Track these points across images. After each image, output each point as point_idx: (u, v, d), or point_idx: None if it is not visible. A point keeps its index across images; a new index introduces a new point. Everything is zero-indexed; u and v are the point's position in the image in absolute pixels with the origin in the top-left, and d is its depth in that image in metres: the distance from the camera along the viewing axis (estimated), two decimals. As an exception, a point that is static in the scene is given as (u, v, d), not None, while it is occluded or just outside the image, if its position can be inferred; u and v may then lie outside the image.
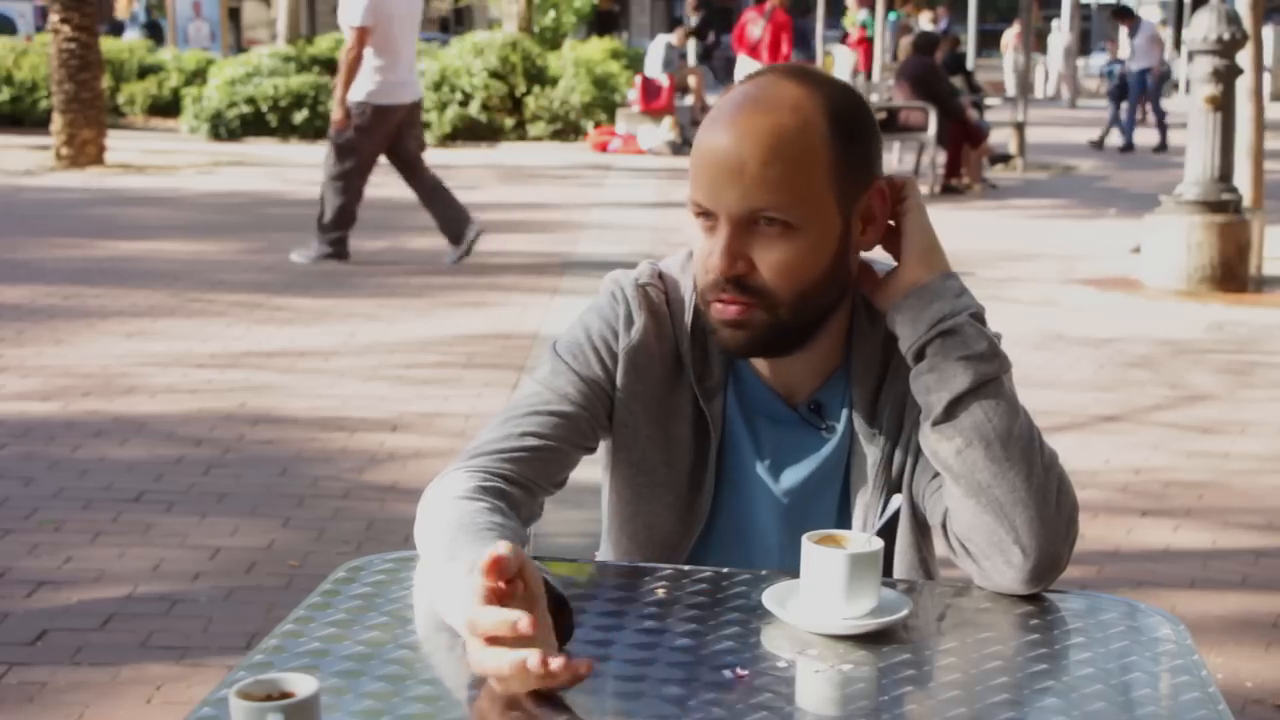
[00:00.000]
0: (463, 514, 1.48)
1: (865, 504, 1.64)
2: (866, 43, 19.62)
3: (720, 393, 1.66)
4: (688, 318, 1.66)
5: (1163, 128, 17.79)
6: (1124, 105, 18.25)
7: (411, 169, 8.48)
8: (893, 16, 22.69)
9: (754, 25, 15.59)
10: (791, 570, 1.49)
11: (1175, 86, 25.15)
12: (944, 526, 1.57)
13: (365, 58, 8.14)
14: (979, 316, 1.56)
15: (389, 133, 8.26)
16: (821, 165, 1.52)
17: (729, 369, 1.67)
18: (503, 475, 1.57)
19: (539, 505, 1.63)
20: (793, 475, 1.67)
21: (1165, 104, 18.59)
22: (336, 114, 8.25)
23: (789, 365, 1.64)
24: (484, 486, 1.54)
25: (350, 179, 8.30)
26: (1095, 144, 17.83)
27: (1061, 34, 28.68)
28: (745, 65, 15.83)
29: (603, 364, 1.65)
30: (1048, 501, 1.49)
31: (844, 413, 1.66)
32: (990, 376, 1.52)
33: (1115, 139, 17.97)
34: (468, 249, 8.51)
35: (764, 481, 1.67)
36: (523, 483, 1.58)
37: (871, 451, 1.64)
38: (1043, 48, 30.26)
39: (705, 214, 1.55)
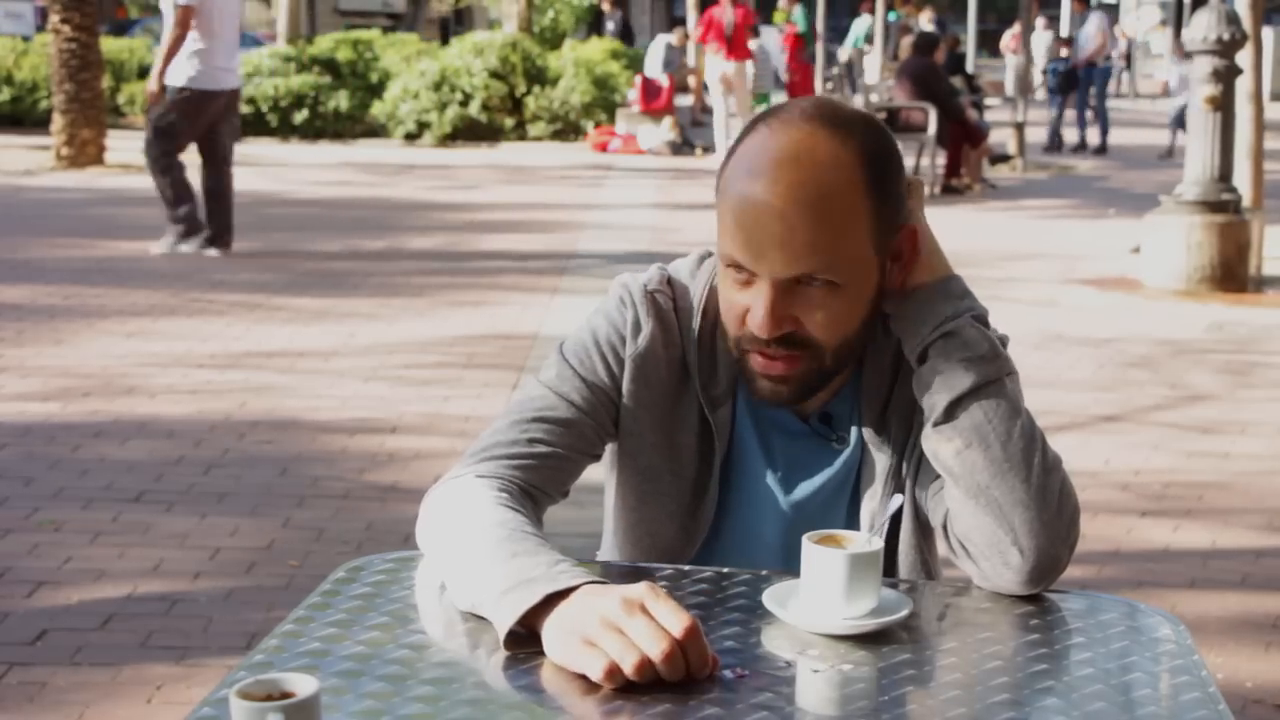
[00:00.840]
0: (512, 519, 1.47)
1: (873, 513, 1.64)
2: (797, 38, 19.76)
3: (727, 401, 1.65)
4: (695, 325, 1.65)
5: (1082, 124, 17.43)
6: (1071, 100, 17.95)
7: (216, 161, 8.69)
8: (893, 16, 22.71)
9: (726, 11, 15.36)
10: (792, 570, 1.49)
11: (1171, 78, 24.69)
12: (945, 528, 1.57)
13: (187, 42, 8.35)
14: (982, 318, 1.56)
15: (209, 119, 8.53)
16: (864, 222, 1.51)
17: (737, 379, 1.65)
18: (517, 483, 1.57)
19: (544, 510, 1.62)
20: (804, 487, 1.66)
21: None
22: (152, 86, 8.54)
23: None
24: (512, 494, 1.54)
25: (171, 159, 8.53)
26: (1077, 148, 17.56)
27: (1044, 33, 28.26)
28: (715, 64, 15.53)
29: (609, 370, 1.64)
30: (1047, 503, 1.49)
31: (854, 423, 1.66)
32: (991, 378, 1.52)
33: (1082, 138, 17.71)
34: (176, 241, 8.76)
35: (772, 493, 1.67)
36: (533, 492, 1.58)
37: (881, 460, 1.64)
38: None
39: (739, 267, 1.53)
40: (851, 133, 1.52)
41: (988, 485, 1.49)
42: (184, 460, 4.74)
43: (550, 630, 1.32)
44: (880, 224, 1.53)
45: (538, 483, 1.58)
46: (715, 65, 15.48)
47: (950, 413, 1.51)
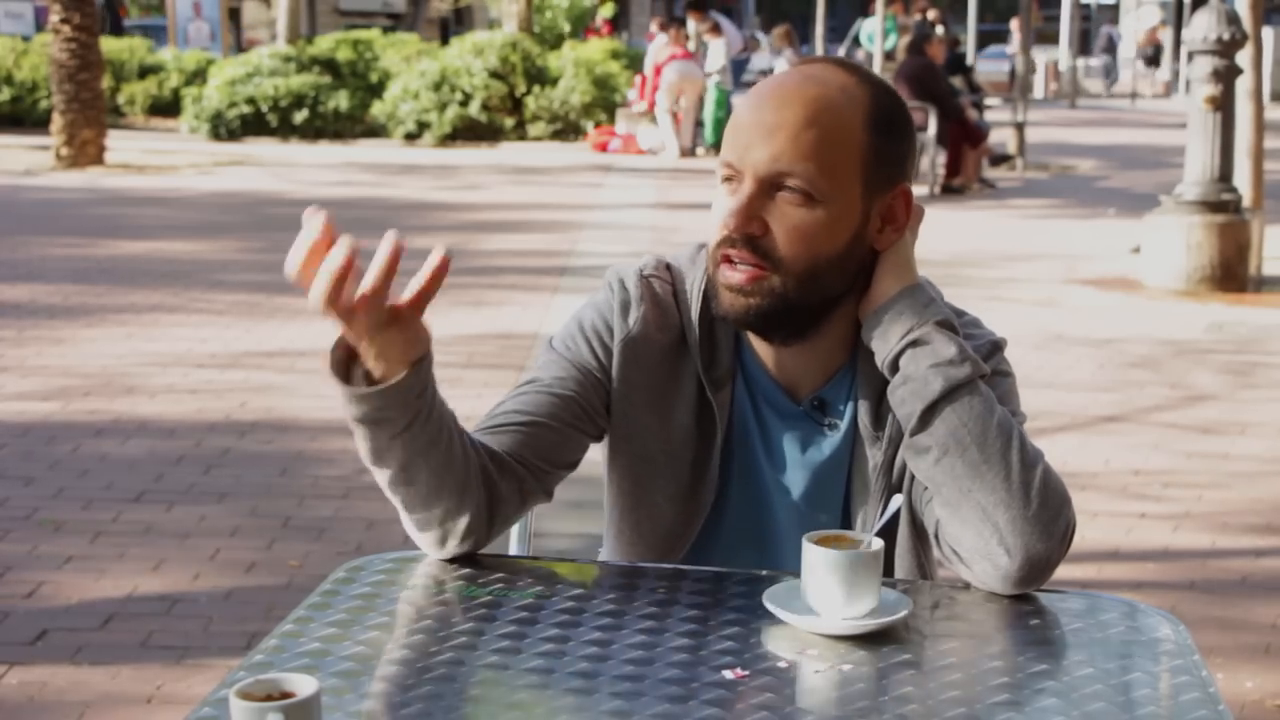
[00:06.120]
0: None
1: (866, 502, 1.65)
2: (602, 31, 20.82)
3: (728, 383, 1.66)
4: (695, 309, 1.66)
5: None
6: None
7: None
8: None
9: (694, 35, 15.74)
10: (792, 570, 1.49)
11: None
12: (937, 537, 1.57)
13: None
14: (947, 324, 1.56)
15: None
16: (855, 148, 1.54)
17: (736, 359, 1.66)
18: (489, 446, 1.56)
19: (538, 484, 1.60)
20: (798, 470, 1.67)
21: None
22: None
23: (794, 358, 1.64)
24: (481, 449, 1.55)
25: None
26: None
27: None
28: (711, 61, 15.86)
29: (595, 354, 1.65)
30: (1029, 499, 1.49)
31: (847, 411, 1.66)
32: (961, 381, 1.52)
33: None
34: None
35: (772, 474, 1.67)
36: (508, 455, 1.57)
37: (873, 451, 1.64)
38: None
39: (731, 176, 1.56)
40: (869, 82, 1.59)
41: (969, 489, 1.50)
42: (184, 460, 4.74)
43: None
44: (874, 164, 1.56)
45: (512, 446, 1.58)
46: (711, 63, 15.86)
47: (925, 421, 1.52)
